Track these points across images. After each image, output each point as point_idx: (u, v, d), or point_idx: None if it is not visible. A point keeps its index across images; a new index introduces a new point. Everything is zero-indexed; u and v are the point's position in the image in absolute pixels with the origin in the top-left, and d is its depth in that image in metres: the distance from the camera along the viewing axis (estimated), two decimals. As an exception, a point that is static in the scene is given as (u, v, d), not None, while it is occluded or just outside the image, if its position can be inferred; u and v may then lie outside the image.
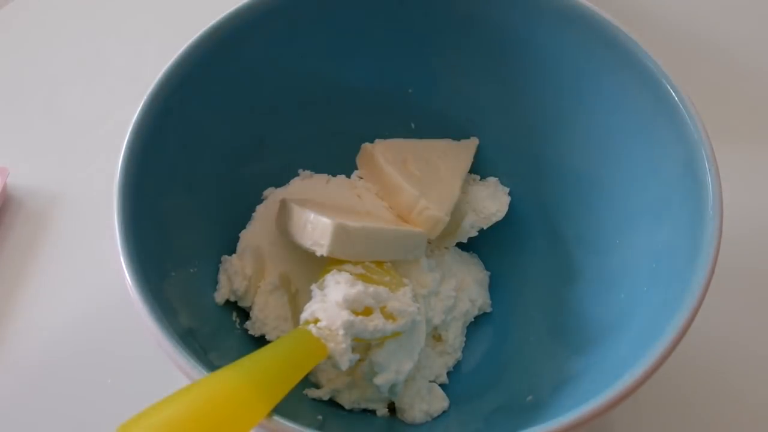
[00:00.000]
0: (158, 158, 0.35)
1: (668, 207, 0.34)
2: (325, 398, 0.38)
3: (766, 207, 0.50)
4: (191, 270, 0.37)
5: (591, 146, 0.40)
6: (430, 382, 0.39)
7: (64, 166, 0.52)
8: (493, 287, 0.44)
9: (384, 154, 0.41)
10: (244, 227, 0.41)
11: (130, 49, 0.58)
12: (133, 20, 0.61)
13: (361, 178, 0.43)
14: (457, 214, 0.41)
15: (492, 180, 0.44)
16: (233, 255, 0.40)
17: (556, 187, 0.42)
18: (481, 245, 0.43)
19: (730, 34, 0.59)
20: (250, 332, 0.39)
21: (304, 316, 0.33)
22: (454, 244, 0.43)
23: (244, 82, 0.40)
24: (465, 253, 0.44)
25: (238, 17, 0.37)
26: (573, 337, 0.38)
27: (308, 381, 0.38)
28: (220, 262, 0.39)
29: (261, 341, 0.39)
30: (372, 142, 0.43)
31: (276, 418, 0.27)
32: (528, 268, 0.43)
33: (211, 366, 0.28)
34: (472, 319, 0.42)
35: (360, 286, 0.34)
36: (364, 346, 0.36)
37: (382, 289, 0.35)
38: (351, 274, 0.35)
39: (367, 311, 0.33)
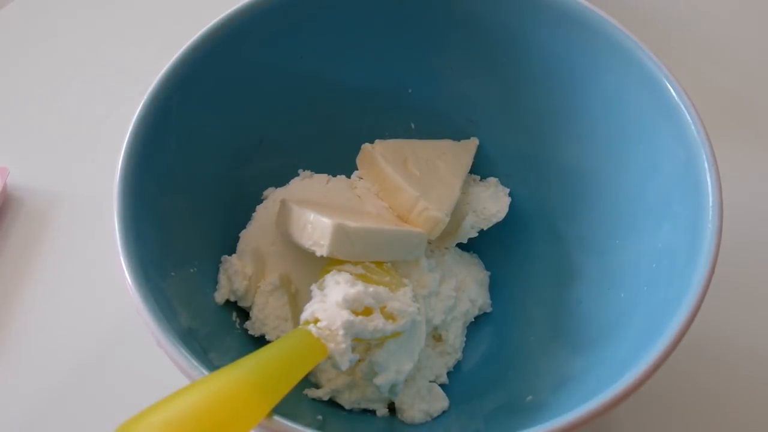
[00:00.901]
0: (158, 158, 0.35)
1: (668, 207, 0.34)
2: (325, 398, 0.38)
3: (766, 207, 0.50)
4: (191, 270, 0.37)
5: (591, 146, 0.40)
6: (430, 382, 0.39)
7: (64, 166, 0.52)
8: (494, 287, 0.44)
9: (384, 155, 0.41)
10: (244, 227, 0.41)
11: (130, 49, 0.58)
12: (133, 20, 0.61)
13: (361, 178, 0.43)
14: (457, 214, 0.41)
15: (492, 180, 0.44)
16: (233, 255, 0.40)
17: (556, 187, 0.42)
18: (482, 245, 0.43)
19: (730, 34, 0.59)
20: (249, 332, 0.39)
21: (304, 316, 0.33)
22: (455, 244, 0.43)
23: (244, 82, 0.40)
24: (465, 253, 0.44)
25: (238, 17, 0.37)
26: (573, 337, 0.38)
27: (308, 381, 0.38)
28: (220, 262, 0.39)
29: (261, 341, 0.39)
30: (372, 142, 0.43)
31: (276, 417, 0.27)
32: (528, 268, 0.43)
33: (211, 366, 0.28)
34: (472, 319, 0.42)
35: (360, 286, 0.34)
36: (364, 346, 0.36)
37: (382, 289, 0.35)
38: (351, 274, 0.35)
39: (367, 311, 0.33)
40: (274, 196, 0.42)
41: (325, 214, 0.36)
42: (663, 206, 0.35)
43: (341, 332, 0.31)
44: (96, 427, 0.41)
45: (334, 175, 0.44)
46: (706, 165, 0.32)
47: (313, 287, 0.35)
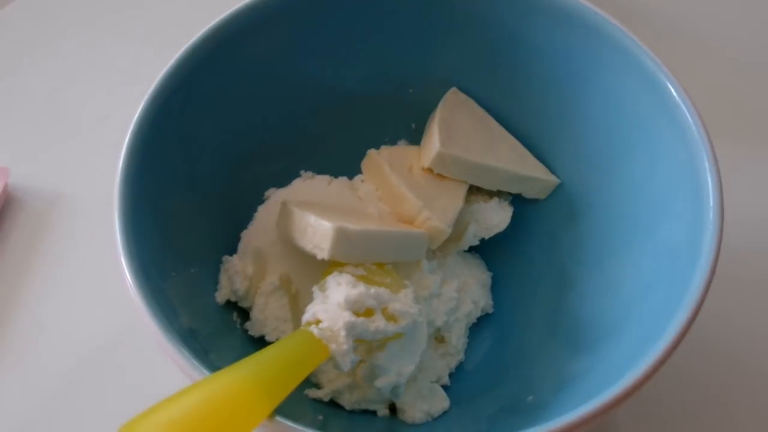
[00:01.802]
0: (159, 158, 0.35)
1: (669, 206, 0.34)
2: (326, 399, 0.38)
3: (766, 207, 0.50)
4: (192, 270, 0.37)
5: (591, 146, 0.40)
6: (432, 383, 0.39)
7: (64, 166, 0.52)
8: (495, 288, 0.44)
9: (389, 162, 0.41)
10: (245, 227, 0.41)
11: (131, 49, 0.58)
12: (133, 21, 0.61)
13: (363, 181, 0.43)
14: (459, 223, 0.41)
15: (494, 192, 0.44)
16: (234, 255, 0.40)
17: (557, 188, 0.42)
18: (484, 246, 0.43)
19: (730, 34, 0.59)
20: (249, 333, 0.39)
21: (306, 317, 0.33)
22: (456, 251, 0.43)
23: (244, 82, 0.40)
24: (467, 254, 0.44)
25: (239, 18, 0.37)
26: (574, 338, 0.38)
27: (309, 382, 0.38)
28: (221, 262, 0.39)
29: (261, 342, 0.39)
30: (373, 143, 0.43)
31: (278, 418, 0.27)
32: (530, 268, 0.43)
33: (212, 366, 0.28)
34: (474, 320, 0.42)
35: (361, 288, 0.34)
36: (365, 347, 0.36)
37: (383, 290, 0.35)
38: (352, 275, 0.35)
39: (368, 312, 0.33)
40: (275, 196, 0.42)
41: (325, 216, 0.36)
42: (663, 206, 0.35)
43: (343, 333, 0.31)
44: (98, 427, 0.40)
45: (336, 177, 0.44)
46: (706, 165, 0.32)
47: (315, 288, 0.35)
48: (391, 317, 0.34)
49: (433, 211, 0.39)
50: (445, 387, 0.40)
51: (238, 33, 0.38)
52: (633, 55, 0.35)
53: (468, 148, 0.41)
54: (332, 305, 0.32)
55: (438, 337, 0.41)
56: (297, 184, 0.43)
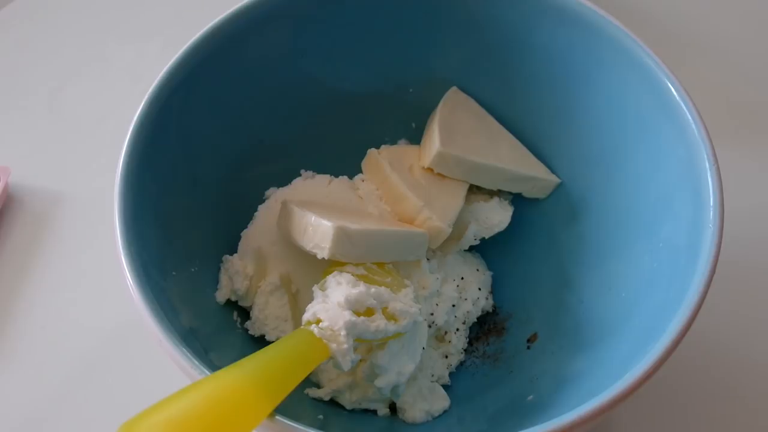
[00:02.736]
0: (159, 158, 0.35)
1: (669, 206, 0.34)
2: (326, 398, 0.38)
3: (766, 206, 0.50)
4: (192, 269, 0.37)
5: (592, 146, 0.40)
6: (432, 382, 0.39)
7: (65, 166, 0.52)
8: (496, 287, 0.44)
9: (390, 161, 0.41)
10: (245, 227, 0.41)
11: (131, 49, 0.58)
12: (134, 20, 0.61)
13: (363, 181, 0.43)
14: (460, 223, 0.41)
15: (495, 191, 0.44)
16: (234, 255, 0.40)
17: (557, 187, 0.42)
18: (484, 245, 0.43)
19: (731, 34, 0.59)
20: (250, 332, 0.39)
21: (306, 316, 0.33)
22: (456, 251, 0.43)
23: (245, 82, 0.40)
24: (468, 254, 0.44)
25: (239, 17, 0.37)
26: (574, 337, 0.38)
27: (309, 381, 0.38)
28: (221, 261, 0.39)
29: (261, 341, 0.39)
30: (373, 142, 0.43)
31: (278, 417, 0.27)
32: (530, 268, 0.43)
33: (212, 366, 0.28)
34: (475, 320, 0.42)
35: (362, 287, 0.34)
36: (366, 347, 0.36)
37: (383, 290, 0.35)
38: (353, 275, 0.35)
39: (368, 312, 0.33)
40: (275, 196, 0.42)
41: (326, 216, 0.36)
42: (664, 205, 0.35)
43: (343, 333, 0.31)
44: (98, 426, 0.41)
45: (336, 176, 0.44)
46: (707, 164, 0.32)
47: (315, 288, 0.35)
48: (391, 317, 0.34)
49: (434, 211, 0.39)
50: (445, 386, 0.40)
51: (238, 33, 0.38)
52: (634, 55, 0.35)
53: (468, 148, 0.41)
54: (332, 305, 0.32)
55: (438, 337, 0.41)
56: (297, 183, 0.43)
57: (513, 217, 0.43)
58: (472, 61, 0.42)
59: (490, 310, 0.43)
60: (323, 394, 0.37)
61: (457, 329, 0.41)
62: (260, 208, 0.42)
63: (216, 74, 0.38)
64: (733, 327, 0.45)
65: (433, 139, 0.40)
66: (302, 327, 0.32)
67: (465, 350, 0.42)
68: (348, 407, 0.38)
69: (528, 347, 0.40)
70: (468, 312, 0.41)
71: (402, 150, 0.43)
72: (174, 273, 0.35)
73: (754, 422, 0.42)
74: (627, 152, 0.37)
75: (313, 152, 0.44)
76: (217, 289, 0.39)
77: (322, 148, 0.44)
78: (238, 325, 0.39)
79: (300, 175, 0.43)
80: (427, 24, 0.41)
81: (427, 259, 0.40)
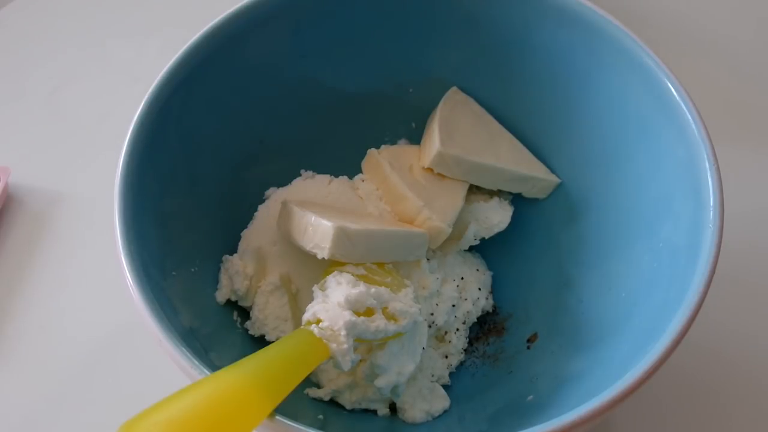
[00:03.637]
0: (159, 157, 0.35)
1: (669, 206, 0.34)
2: (326, 398, 0.38)
3: (766, 207, 0.50)
4: (192, 269, 0.37)
5: (592, 146, 0.40)
6: (432, 382, 0.39)
7: (65, 166, 0.52)
8: (496, 287, 0.44)
9: (390, 161, 0.41)
10: (245, 227, 0.41)
11: (131, 48, 0.58)
12: (133, 20, 0.61)
13: (363, 181, 0.43)
14: (460, 223, 0.41)
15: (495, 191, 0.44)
16: (234, 254, 0.40)
17: (557, 187, 0.42)
18: (484, 246, 0.43)
19: (731, 34, 0.59)
20: (250, 332, 0.39)
21: (306, 316, 0.33)
22: (456, 251, 0.43)
23: (245, 82, 0.40)
24: (467, 254, 0.44)
25: (239, 17, 0.37)
26: (574, 337, 0.38)
27: (309, 381, 0.38)
28: (221, 261, 0.39)
29: (261, 341, 0.39)
30: (373, 142, 0.43)
31: (278, 417, 0.27)
32: (530, 268, 0.43)
33: (212, 366, 0.28)
34: (475, 320, 0.42)
35: (362, 287, 0.34)
36: (366, 347, 0.36)
37: (383, 290, 0.35)
38: (352, 275, 0.35)
39: (368, 312, 0.33)
40: (276, 196, 0.42)
41: (326, 216, 0.36)
42: (664, 205, 0.35)
43: (343, 333, 0.31)
44: (98, 426, 0.40)
45: (336, 176, 0.44)
46: (707, 164, 0.32)
47: (315, 288, 0.35)
48: (391, 317, 0.34)
49: (434, 211, 0.39)
50: (445, 386, 0.40)
51: (238, 33, 0.38)
52: (634, 55, 0.35)
53: (468, 148, 0.41)
54: (332, 305, 0.32)
55: (438, 337, 0.41)
56: (297, 183, 0.43)
57: (513, 217, 0.43)
58: (472, 61, 0.42)
59: (490, 310, 0.43)
60: (323, 394, 0.37)
61: (457, 329, 0.41)
62: (260, 208, 0.42)
63: (216, 74, 0.38)
64: (733, 327, 0.45)
65: (433, 139, 0.40)
66: (302, 327, 0.32)
67: (465, 350, 0.42)
68: (348, 407, 0.38)
69: (528, 347, 0.40)
70: (468, 312, 0.41)
71: (402, 150, 0.43)
72: (174, 273, 0.35)
73: (754, 422, 0.42)
74: (627, 152, 0.37)
75: (313, 152, 0.44)
76: (217, 289, 0.39)
77: (322, 148, 0.44)
78: (238, 325, 0.39)
79: (300, 175, 0.43)
80: (427, 24, 0.41)
81: (427, 259, 0.40)
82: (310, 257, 0.36)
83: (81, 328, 0.45)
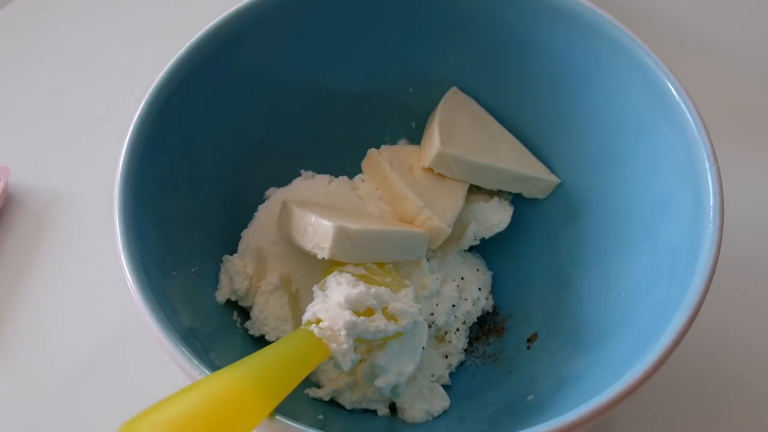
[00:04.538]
0: (159, 157, 0.35)
1: (669, 206, 0.34)
2: (326, 398, 0.38)
3: (766, 207, 0.50)
4: (192, 269, 0.37)
5: (592, 146, 0.40)
6: (432, 382, 0.39)
7: (65, 166, 0.52)
8: (496, 287, 0.44)
9: (390, 161, 0.41)
10: (245, 227, 0.41)
11: (131, 49, 0.58)
12: (133, 20, 0.61)
13: (363, 181, 0.43)
14: (460, 223, 0.41)
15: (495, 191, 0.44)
16: (234, 255, 0.40)
17: (557, 187, 0.42)
18: (484, 246, 0.43)
19: (731, 34, 0.59)
20: (250, 332, 0.39)
21: (306, 316, 0.33)
22: (456, 251, 0.43)
23: (244, 83, 0.40)
24: (467, 254, 0.44)
25: (239, 17, 0.37)
26: (574, 337, 0.38)
27: (309, 381, 0.38)
28: (221, 261, 0.39)
29: (261, 341, 0.39)
30: (373, 142, 0.43)
31: (278, 417, 0.27)
32: (530, 268, 0.43)
33: (212, 366, 0.28)
34: (475, 320, 0.42)
35: (362, 287, 0.34)
36: (366, 347, 0.36)
37: (383, 290, 0.35)
38: (352, 275, 0.35)
39: (368, 312, 0.33)
40: (276, 196, 0.42)
41: (326, 216, 0.36)
42: (663, 205, 0.35)
43: (343, 333, 0.31)
44: (98, 426, 0.41)
45: (336, 176, 0.44)
46: (706, 164, 0.32)
47: (315, 288, 0.35)
48: (391, 317, 0.34)
49: (434, 211, 0.39)
50: (445, 386, 0.40)
51: (238, 33, 0.38)
52: (634, 55, 0.35)
53: (468, 148, 0.41)
54: (332, 305, 0.32)
55: (438, 337, 0.41)
56: (297, 183, 0.43)
57: (513, 217, 0.43)
58: (471, 61, 0.42)
59: (490, 310, 0.43)
60: (323, 394, 0.37)
61: (457, 329, 0.41)
62: (260, 208, 0.42)
63: (216, 74, 0.38)
64: (733, 327, 0.45)
65: (433, 139, 0.40)
66: (302, 327, 0.32)
67: (465, 350, 0.42)
68: (348, 407, 0.38)
69: (528, 347, 0.40)
70: (468, 312, 0.41)
71: (402, 150, 0.43)
72: (174, 273, 0.35)
73: (754, 422, 0.42)
74: (627, 152, 0.37)
75: (313, 152, 0.44)
76: (217, 289, 0.39)
77: (322, 148, 0.44)
78: (238, 325, 0.39)
79: (300, 175, 0.43)
80: (427, 24, 0.41)
81: (427, 259, 0.40)
82: (310, 257, 0.36)
83: (81, 327, 0.45)
